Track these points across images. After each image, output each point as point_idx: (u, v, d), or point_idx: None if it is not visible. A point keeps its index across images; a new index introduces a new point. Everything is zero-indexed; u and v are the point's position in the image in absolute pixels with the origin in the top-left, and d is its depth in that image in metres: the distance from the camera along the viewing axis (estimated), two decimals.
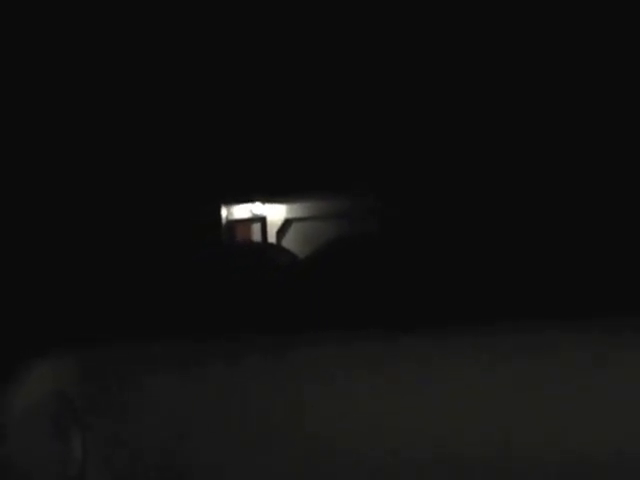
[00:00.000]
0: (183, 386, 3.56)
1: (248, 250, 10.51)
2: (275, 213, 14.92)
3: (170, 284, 7.35)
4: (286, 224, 14.86)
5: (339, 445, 3.19)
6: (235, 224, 15.34)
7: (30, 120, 6.92)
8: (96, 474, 3.68)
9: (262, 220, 15.08)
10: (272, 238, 14.81)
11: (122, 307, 6.15)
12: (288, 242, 14.05)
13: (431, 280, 3.32)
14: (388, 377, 3.13)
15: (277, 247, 11.95)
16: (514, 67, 8.79)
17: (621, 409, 2.77)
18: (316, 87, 9.59)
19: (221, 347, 3.57)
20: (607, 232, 3.19)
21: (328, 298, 3.50)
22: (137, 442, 3.62)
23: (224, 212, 14.86)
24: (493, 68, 8.92)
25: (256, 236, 15.12)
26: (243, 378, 3.44)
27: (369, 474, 3.14)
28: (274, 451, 3.33)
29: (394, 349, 3.17)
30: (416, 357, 3.11)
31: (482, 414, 2.96)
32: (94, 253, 7.44)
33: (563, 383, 2.86)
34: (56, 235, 6.85)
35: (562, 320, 2.98)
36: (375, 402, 3.13)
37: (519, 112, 9.16)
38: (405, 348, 3.16)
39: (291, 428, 3.30)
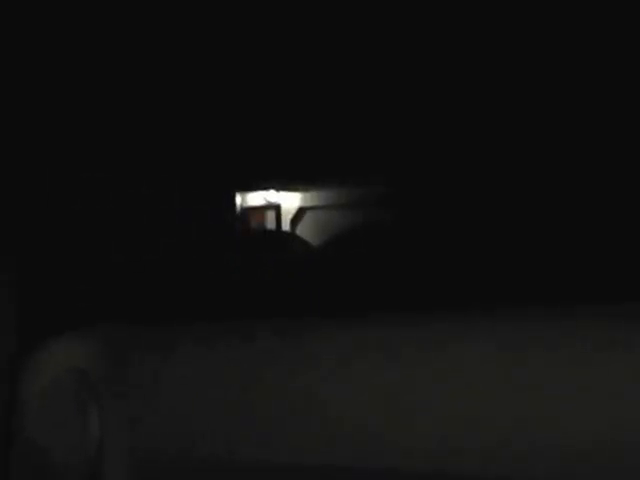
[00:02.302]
0: (201, 366, 3.59)
1: (262, 237, 10.52)
2: (289, 201, 14.93)
3: (186, 270, 7.39)
4: (300, 212, 14.85)
5: (353, 429, 3.22)
6: (249, 211, 15.35)
7: (54, 105, 6.96)
8: (114, 452, 3.72)
9: (276, 208, 15.09)
10: (286, 226, 14.82)
11: (137, 291, 6.21)
12: (302, 230, 14.07)
13: (443, 268, 3.35)
14: (402, 361, 3.16)
15: (291, 235, 11.96)
16: (527, 60, 8.78)
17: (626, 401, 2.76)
18: (332, 76, 9.59)
19: (238, 328, 3.60)
20: (611, 226, 3.19)
21: (341, 285, 3.52)
22: (155, 421, 3.65)
23: (238, 199, 14.87)
24: (507, 60, 8.91)
25: (270, 224, 15.13)
26: (259, 359, 3.47)
27: (382, 455, 3.17)
28: (290, 433, 3.36)
29: (406, 334, 3.20)
30: (429, 342, 3.14)
31: (489, 402, 2.97)
32: (111, 240, 7.48)
33: (572, 371, 2.86)
34: (72, 222, 6.91)
35: (568, 308, 2.98)
36: (389, 386, 3.16)
37: (530, 103, 9.15)
38: (417, 333, 3.18)
39: (305, 410, 3.33)
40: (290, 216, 14.87)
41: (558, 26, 8.20)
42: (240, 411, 3.44)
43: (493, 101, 9.54)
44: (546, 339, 2.91)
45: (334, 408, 3.24)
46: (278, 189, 14.74)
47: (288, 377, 3.37)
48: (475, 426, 2.97)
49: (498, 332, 3.01)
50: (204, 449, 3.51)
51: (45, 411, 3.91)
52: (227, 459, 3.47)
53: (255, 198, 15.21)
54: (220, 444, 3.48)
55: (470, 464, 2.97)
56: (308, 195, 14.65)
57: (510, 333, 2.98)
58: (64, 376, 3.86)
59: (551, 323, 2.94)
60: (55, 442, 3.85)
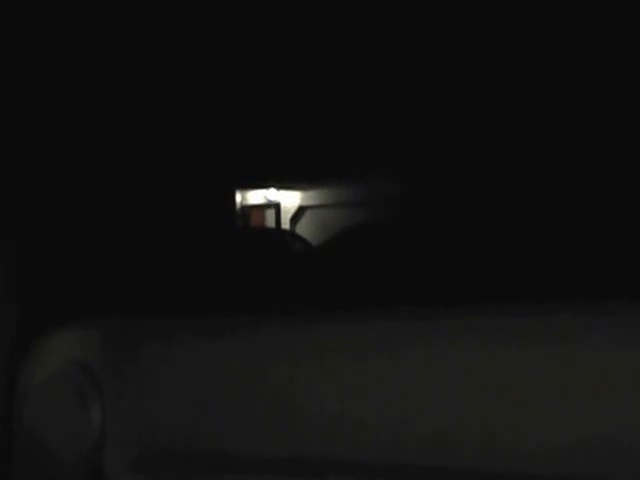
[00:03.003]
0: (203, 359, 3.59)
1: (261, 236, 10.54)
2: (289, 200, 14.93)
3: (187, 266, 7.40)
4: (300, 211, 14.86)
5: (353, 424, 3.22)
6: (249, 210, 15.37)
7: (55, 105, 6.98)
8: (115, 443, 3.70)
9: (276, 206, 15.10)
10: (286, 224, 14.83)
11: (138, 285, 6.21)
12: (302, 229, 14.07)
13: (443, 267, 3.34)
14: (401, 358, 3.16)
15: (290, 234, 11.98)
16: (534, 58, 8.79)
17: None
18: (335, 74, 9.59)
19: (240, 322, 3.60)
20: (612, 227, 3.18)
21: (340, 284, 3.52)
22: (156, 413, 3.64)
23: (238, 197, 14.87)
24: (509, 61, 8.92)
25: (270, 222, 15.14)
26: (261, 353, 3.46)
27: (381, 450, 3.17)
28: (290, 427, 3.35)
29: (406, 331, 3.20)
30: (429, 339, 3.13)
31: (487, 397, 2.97)
32: (113, 236, 7.50)
33: (579, 366, 2.86)
34: (76, 216, 6.92)
35: (578, 302, 2.96)
36: (389, 382, 3.17)
37: (536, 102, 9.16)
38: (417, 330, 3.18)
39: (306, 405, 3.32)
40: (290, 215, 14.88)
41: (564, 27, 8.21)
42: (241, 404, 3.44)
43: (492, 102, 9.55)
44: (546, 338, 2.91)
45: (335, 403, 3.24)
46: (278, 187, 14.76)
47: (289, 372, 3.37)
48: (475, 423, 2.97)
49: (498, 330, 3.01)
50: (205, 441, 3.51)
51: (46, 402, 3.90)
52: (228, 451, 3.47)
53: (255, 196, 15.23)
54: (221, 436, 3.48)
55: (470, 461, 2.97)
56: (308, 194, 14.66)
57: (510, 331, 2.98)
58: (66, 368, 3.85)
59: (552, 321, 2.93)
60: (57, 433, 3.84)
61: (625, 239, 3.08)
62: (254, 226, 14.95)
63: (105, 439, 3.71)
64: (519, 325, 2.99)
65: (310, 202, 14.75)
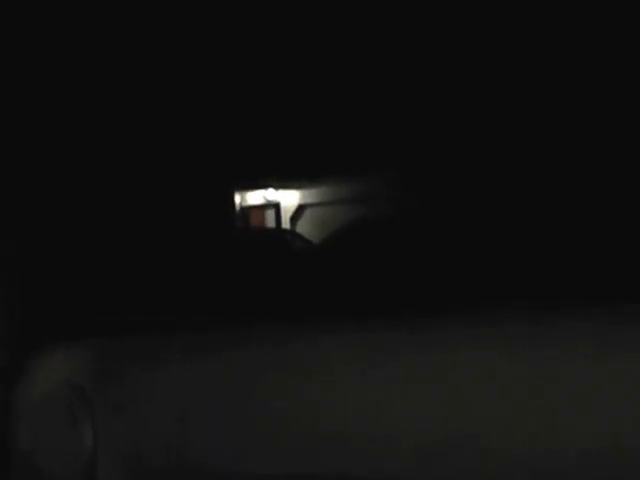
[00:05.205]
0: (193, 377, 3.56)
1: (262, 236, 10.53)
2: (289, 199, 14.93)
3: (183, 270, 7.37)
4: (300, 210, 14.86)
5: (345, 437, 3.19)
6: (249, 210, 15.36)
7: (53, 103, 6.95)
8: (107, 461, 3.69)
9: (276, 206, 15.09)
10: (286, 224, 14.83)
11: (133, 294, 6.18)
12: (302, 228, 14.06)
13: (446, 265, 3.30)
14: (401, 368, 3.13)
15: (291, 233, 11.96)
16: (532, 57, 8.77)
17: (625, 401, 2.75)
18: (332, 72, 9.57)
19: (231, 337, 3.57)
20: (614, 226, 3.15)
21: (344, 283, 3.47)
22: (148, 430, 3.62)
23: (238, 198, 14.88)
24: (511, 58, 8.90)
25: (270, 222, 15.14)
26: (251, 369, 3.44)
27: (381, 464, 3.13)
28: (283, 442, 3.32)
29: (407, 339, 3.16)
30: (430, 347, 3.10)
31: (485, 405, 2.95)
32: (107, 241, 7.46)
33: (575, 371, 2.85)
34: (67, 221, 6.88)
35: (569, 309, 2.95)
36: (388, 396, 3.13)
37: (533, 102, 9.15)
38: (415, 338, 3.15)
39: (300, 420, 3.29)
40: (290, 214, 14.88)
41: (563, 28, 8.19)
42: (233, 421, 3.42)
43: (492, 103, 9.54)
44: (545, 342, 2.89)
45: (333, 416, 3.19)
46: (277, 187, 14.75)
47: (282, 387, 3.34)
48: (474, 430, 2.94)
49: (497, 335, 2.98)
50: (197, 460, 3.50)
51: (40, 422, 3.91)
52: (220, 468, 3.46)
53: (254, 197, 15.22)
54: (213, 453, 3.46)
55: (470, 470, 2.94)
56: (307, 192, 14.66)
57: (510, 337, 2.95)
58: (57, 387, 3.85)
59: (551, 326, 2.91)
60: (50, 452, 3.84)
61: (626, 245, 3.05)
62: (254, 226, 14.97)
63: (97, 458, 3.70)
64: (519, 330, 2.96)
65: (309, 200, 14.74)
